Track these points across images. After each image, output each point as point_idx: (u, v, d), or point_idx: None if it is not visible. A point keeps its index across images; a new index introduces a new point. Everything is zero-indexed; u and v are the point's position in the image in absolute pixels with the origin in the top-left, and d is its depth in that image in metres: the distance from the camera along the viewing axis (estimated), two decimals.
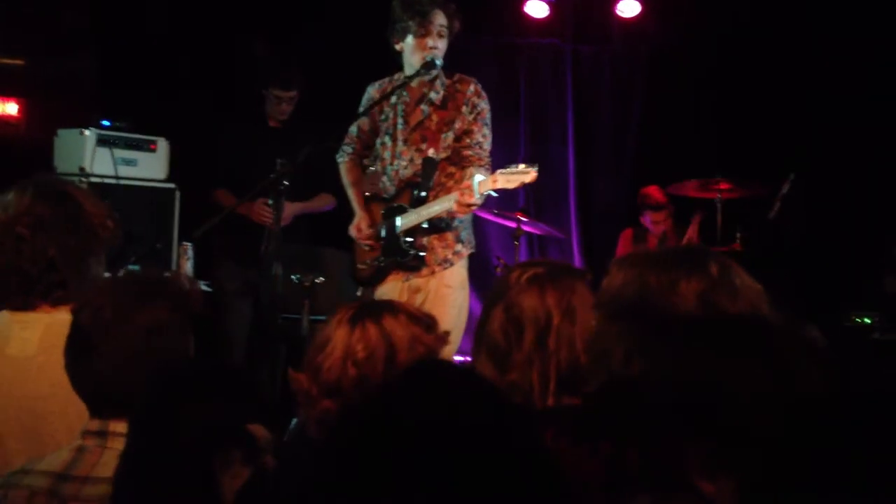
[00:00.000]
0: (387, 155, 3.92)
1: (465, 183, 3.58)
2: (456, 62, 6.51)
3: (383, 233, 3.94)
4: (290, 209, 4.72)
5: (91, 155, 4.69)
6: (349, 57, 5.73)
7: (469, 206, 3.59)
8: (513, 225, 5.76)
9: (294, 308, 4.72)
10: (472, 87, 3.83)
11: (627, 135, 6.65)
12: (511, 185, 3.51)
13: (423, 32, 3.81)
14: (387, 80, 3.97)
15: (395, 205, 3.90)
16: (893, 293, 4.57)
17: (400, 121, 3.89)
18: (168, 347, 1.66)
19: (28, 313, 2.04)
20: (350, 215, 4.15)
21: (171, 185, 4.98)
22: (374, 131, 4.01)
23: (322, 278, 4.67)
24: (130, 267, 4.74)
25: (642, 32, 6.37)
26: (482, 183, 3.52)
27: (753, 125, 5.86)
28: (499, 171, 3.55)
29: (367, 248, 4.01)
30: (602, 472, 1.47)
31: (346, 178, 4.12)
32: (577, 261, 6.62)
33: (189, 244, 5.02)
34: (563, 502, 0.99)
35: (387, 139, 3.93)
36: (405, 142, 3.87)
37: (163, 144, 5.00)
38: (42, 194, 2.09)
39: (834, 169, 5.52)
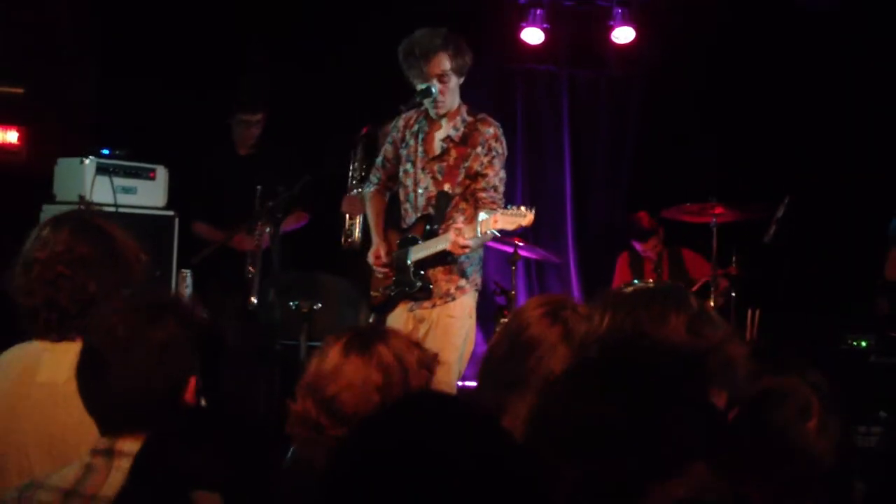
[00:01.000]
0: (409, 182, 3.98)
1: (458, 224, 3.66)
2: None
3: (398, 262, 3.99)
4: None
5: (91, 183, 4.73)
6: (321, 81, 5.81)
7: (462, 247, 3.64)
8: (510, 250, 5.79)
9: (293, 334, 4.74)
10: (491, 130, 3.88)
11: (623, 159, 6.70)
12: (510, 227, 3.56)
13: (420, 80, 3.89)
14: (413, 111, 4.02)
15: (410, 236, 3.96)
16: (885, 315, 4.59)
17: (420, 149, 3.95)
18: (178, 364, 1.71)
19: (59, 343, 2.08)
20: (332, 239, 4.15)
21: (171, 213, 5.02)
22: (398, 159, 4.06)
23: (320, 304, 4.69)
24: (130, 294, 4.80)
25: (637, 58, 6.42)
26: (483, 222, 3.56)
27: (748, 148, 5.90)
28: (500, 211, 3.59)
29: (381, 276, 4.06)
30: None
31: (369, 208, 4.17)
32: (575, 285, 6.65)
33: (188, 271, 5.06)
34: None
35: (409, 167, 3.98)
36: (423, 170, 3.92)
37: (162, 172, 5.04)
38: (79, 230, 2.12)
39: (828, 191, 5.56)
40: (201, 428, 1.42)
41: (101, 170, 4.78)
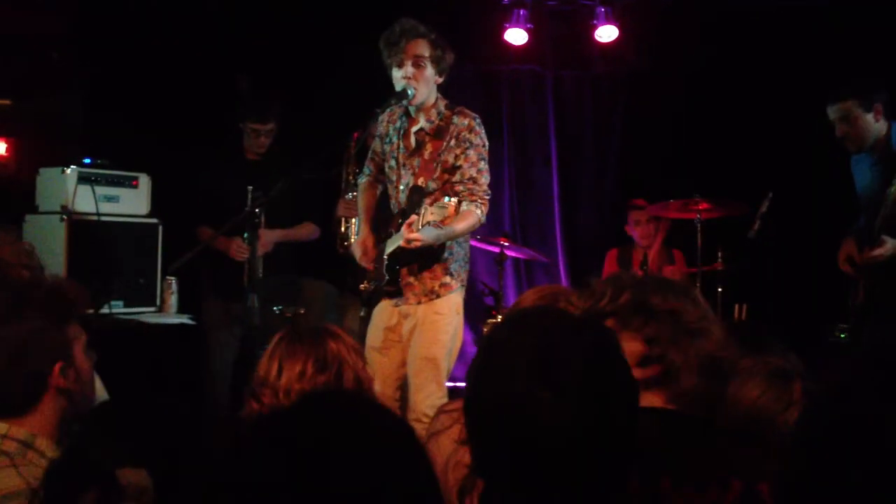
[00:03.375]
0: (393, 178, 3.95)
1: (412, 217, 3.54)
2: (439, 91, 6.63)
3: (378, 256, 3.96)
4: (270, 236, 4.76)
5: (73, 192, 4.75)
6: (330, 90, 5.82)
7: (411, 240, 3.51)
8: (496, 250, 5.80)
9: None
10: (466, 122, 3.80)
11: (609, 157, 6.70)
12: (438, 219, 3.45)
13: (397, 62, 3.84)
14: (397, 108, 3.97)
15: (389, 230, 3.93)
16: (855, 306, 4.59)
17: (401, 145, 3.92)
18: (39, 356, 1.78)
19: None
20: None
21: (154, 221, 5.04)
22: (385, 154, 4.03)
23: (303, 309, 4.70)
24: (114, 302, 4.82)
25: (621, 56, 6.42)
26: (422, 215, 3.47)
27: (732, 144, 5.90)
28: (435, 205, 3.48)
29: (369, 269, 4.03)
30: (636, 501, 1.48)
31: (360, 198, 4.15)
32: (565, 284, 6.65)
33: (173, 279, 5.08)
34: None
35: (392, 163, 3.95)
36: (404, 166, 3.90)
37: (144, 180, 5.06)
38: None
39: (811, 185, 5.55)
40: (122, 414, 1.44)
41: (83, 179, 4.81)
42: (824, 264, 5.59)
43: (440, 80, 3.90)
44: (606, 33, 6.29)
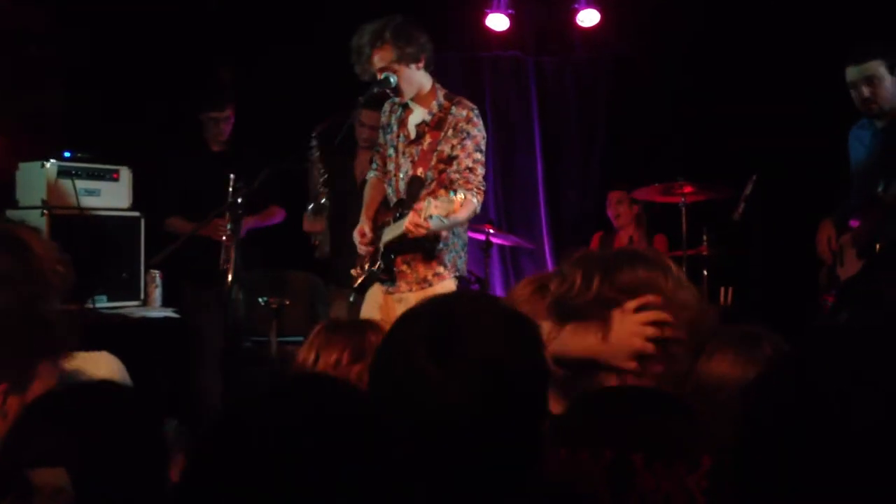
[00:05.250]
0: (391, 167, 3.98)
1: (418, 205, 3.59)
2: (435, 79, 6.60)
3: (374, 243, 3.99)
4: (245, 223, 4.77)
5: (53, 187, 4.70)
6: (297, 78, 5.79)
7: (418, 226, 3.58)
8: (482, 237, 5.78)
9: (261, 331, 4.73)
10: (464, 113, 3.82)
11: (594, 142, 6.69)
12: (443, 213, 3.49)
13: (369, 76, 3.88)
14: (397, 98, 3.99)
15: (386, 219, 3.96)
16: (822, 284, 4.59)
17: (401, 134, 3.94)
18: (11, 300, 1.60)
19: None
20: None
21: (136, 214, 4.99)
22: (385, 144, 4.07)
23: (288, 300, 4.68)
24: (98, 297, 4.77)
25: (603, 41, 6.41)
26: (426, 207, 3.52)
27: (715, 127, 5.89)
28: (439, 198, 3.53)
29: (363, 255, 4.05)
30: (605, 479, 1.48)
31: (366, 189, 4.17)
32: (551, 270, 6.64)
33: (157, 272, 5.04)
34: None
35: (391, 152, 3.98)
36: (403, 155, 3.92)
37: (125, 173, 5.01)
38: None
39: (795, 167, 5.56)
40: (39, 413, 1.37)
41: (63, 173, 4.76)
42: (810, 246, 5.61)
43: (420, 65, 3.87)
44: (588, 17, 6.27)
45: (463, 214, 3.68)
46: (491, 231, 5.76)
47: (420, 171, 3.83)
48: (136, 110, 5.54)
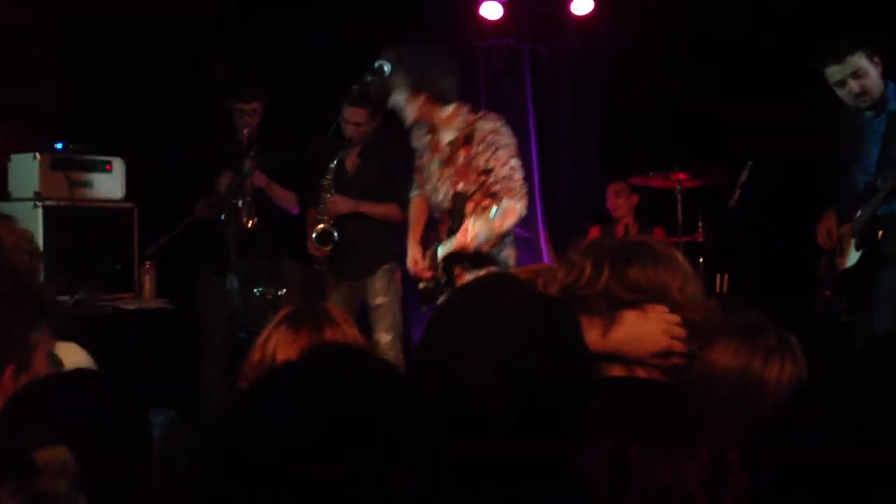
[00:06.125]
0: (429, 188, 4.08)
1: (464, 225, 3.78)
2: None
3: (432, 262, 4.09)
4: (258, 177, 4.76)
5: (45, 179, 4.67)
6: (319, 68, 5.76)
7: (465, 248, 3.79)
8: None
9: (258, 321, 4.71)
10: (489, 125, 3.92)
11: (589, 130, 6.67)
12: (485, 230, 3.75)
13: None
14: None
15: (438, 236, 4.08)
16: (821, 275, 4.59)
17: (434, 158, 4.05)
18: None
19: None
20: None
21: (129, 205, 4.97)
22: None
23: (284, 290, 4.66)
24: (92, 288, 4.75)
25: (597, 28, 6.39)
26: (473, 227, 3.75)
27: (710, 113, 5.88)
28: (480, 218, 3.76)
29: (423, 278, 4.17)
30: (603, 469, 1.47)
31: (410, 212, 4.30)
32: (546, 259, 6.63)
33: (151, 263, 5.02)
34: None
35: (427, 174, 4.10)
36: (440, 178, 4.03)
37: (118, 164, 4.99)
38: None
39: (791, 153, 5.55)
40: (36, 395, 1.38)
41: (56, 164, 4.73)
42: (805, 233, 5.61)
43: (431, 96, 3.94)
44: (582, 6, 6.26)
45: (508, 223, 3.82)
46: None
47: (461, 185, 3.93)
48: (128, 100, 5.50)
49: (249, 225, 4.72)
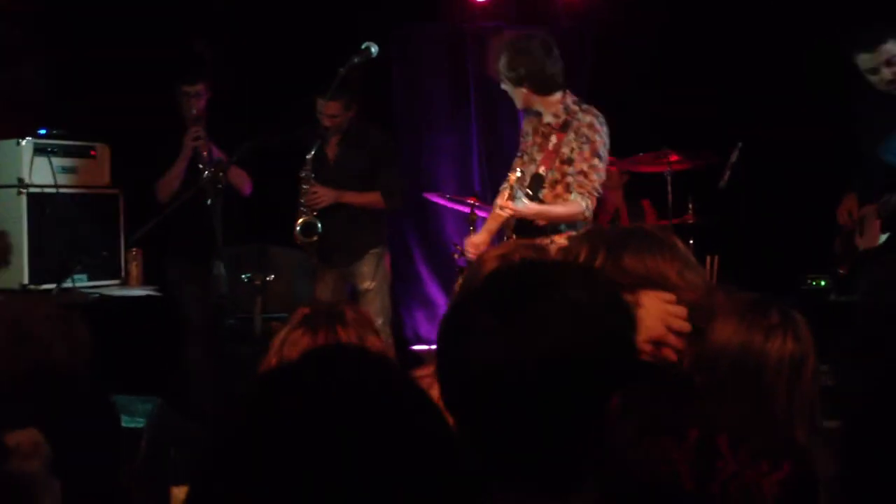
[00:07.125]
0: (519, 167, 4.13)
1: (505, 191, 3.88)
2: (403, 50, 6.54)
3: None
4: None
5: (29, 165, 4.61)
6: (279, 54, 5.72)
7: (502, 207, 3.90)
8: (467, 210, 5.73)
9: (246, 307, 4.68)
10: (588, 119, 4.01)
11: None
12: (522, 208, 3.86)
13: None
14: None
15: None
16: (836, 254, 4.59)
17: (535, 143, 4.16)
18: None
19: None
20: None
21: (114, 191, 4.91)
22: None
23: (272, 276, 4.63)
24: (77, 276, 4.71)
25: (586, 10, 6.36)
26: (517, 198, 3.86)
27: (699, 95, 5.85)
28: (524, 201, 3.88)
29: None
30: (692, 461, 1.46)
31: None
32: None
33: (137, 250, 4.97)
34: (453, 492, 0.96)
35: (526, 157, 4.19)
36: (533, 157, 4.14)
37: (103, 150, 4.93)
38: None
39: (779, 134, 5.53)
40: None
41: (39, 150, 4.67)
42: (795, 213, 5.61)
43: (524, 89, 4.09)
44: None
45: (562, 210, 3.93)
46: (476, 203, 5.70)
47: (542, 169, 4.03)
48: (112, 85, 5.44)
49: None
